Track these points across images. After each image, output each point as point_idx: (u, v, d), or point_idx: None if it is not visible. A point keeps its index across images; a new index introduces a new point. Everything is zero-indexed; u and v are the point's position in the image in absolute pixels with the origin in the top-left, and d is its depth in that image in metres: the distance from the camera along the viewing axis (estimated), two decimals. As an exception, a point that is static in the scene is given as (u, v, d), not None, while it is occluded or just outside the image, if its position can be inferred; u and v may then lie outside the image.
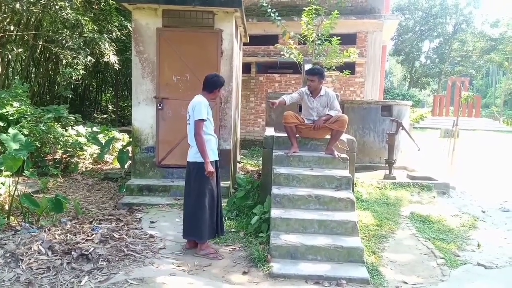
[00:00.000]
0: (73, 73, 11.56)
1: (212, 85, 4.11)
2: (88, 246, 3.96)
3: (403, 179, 7.61)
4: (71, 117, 9.61)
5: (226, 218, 5.18)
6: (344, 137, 5.33)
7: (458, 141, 9.15)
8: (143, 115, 6.33)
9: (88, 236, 4.26)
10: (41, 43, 10.98)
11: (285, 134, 5.31)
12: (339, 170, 4.84)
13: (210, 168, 3.93)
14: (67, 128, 9.46)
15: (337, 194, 4.44)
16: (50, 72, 14.58)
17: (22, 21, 10.83)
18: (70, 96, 14.35)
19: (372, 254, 4.25)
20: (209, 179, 4.01)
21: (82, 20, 8.29)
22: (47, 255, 3.86)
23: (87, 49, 10.16)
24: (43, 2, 7.86)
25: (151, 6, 6.03)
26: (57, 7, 7.93)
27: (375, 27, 12.12)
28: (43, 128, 7.60)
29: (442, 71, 38.98)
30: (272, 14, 8.29)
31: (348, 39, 11.38)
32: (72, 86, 16.99)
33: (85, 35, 8.65)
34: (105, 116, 19.73)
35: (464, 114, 26.60)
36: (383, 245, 4.60)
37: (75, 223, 4.83)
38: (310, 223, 4.11)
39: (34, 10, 8.02)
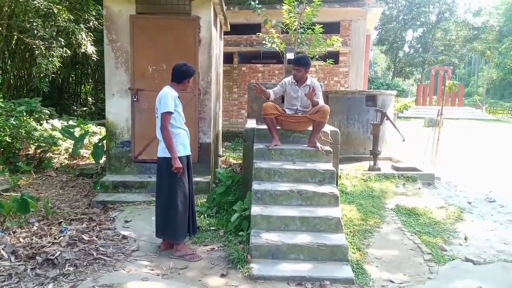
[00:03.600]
0: (49, 65, 11.11)
1: (181, 75, 3.87)
2: (54, 250, 3.69)
3: (388, 170, 7.47)
4: (45, 110, 9.20)
5: (206, 215, 4.96)
6: (328, 128, 5.13)
7: (442, 130, 9.05)
8: (118, 108, 6.02)
9: (55, 238, 3.98)
10: (14, 34, 10.49)
11: (266, 126, 5.08)
12: (323, 163, 4.64)
13: (178, 164, 3.71)
14: (41, 122, 9.06)
15: (320, 189, 4.23)
16: (27, 64, 14.02)
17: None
18: (47, 89, 13.84)
19: (357, 251, 4.07)
20: (180, 176, 3.78)
21: (54, 9, 7.84)
22: (10, 260, 3.58)
23: (61, 39, 9.73)
24: (10, -11, 7.39)
25: (124, -8, 5.69)
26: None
27: (358, 15, 11.92)
28: (14, 122, 7.20)
29: (426, 60, 39.20)
30: (252, 2, 7.99)
31: (332, 28, 11.16)
32: (50, 79, 16.43)
33: (58, 24, 8.20)
34: (84, 108, 19.17)
35: (447, 103, 26.79)
36: (368, 240, 4.43)
37: (43, 224, 4.54)
38: (292, 220, 3.90)
39: (1, -2, 7.55)
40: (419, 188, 6.61)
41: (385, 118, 7.64)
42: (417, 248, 4.27)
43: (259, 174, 4.44)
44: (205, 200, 5.42)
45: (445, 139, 9.34)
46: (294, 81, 5.15)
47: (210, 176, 6.16)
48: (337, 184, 4.93)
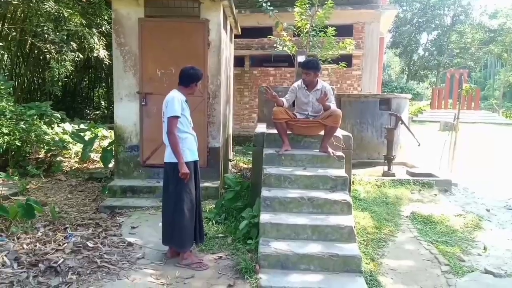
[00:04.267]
0: (61, 69, 11.15)
1: (189, 79, 3.77)
2: (57, 257, 3.60)
3: (403, 176, 7.27)
4: (56, 114, 9.21)
5: (214, 221, 4.83)
6: (340, 133, 4.96)
7: (459, 135, 8.79)
8: (126, 112, 5.95)
9: (59, 245, 3.90)
10: (27, 38, 10.56)
11: (277, 131, 4.95)
12: (335, 169, 4.47)
13: (185, 169, 3.59)
14: (52, 125, 9.06)
15: (332, 196, 4.07)
16: (40, 69, 14.16)
17: (8, 15, 10.39)
18: (60, 93, 13.94)
19: (371, 261, 3.89)
20: (187, 182, 3.66)
21: (65, 13, 7.83)
22: (12, 267, 3.50)
23: (73, 44, 9.75)
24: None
25: (132, -5, 5.62)
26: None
27: (372, 17, 11.70)
28: (24, 126, 7.19)
29: (441, 63, 38.58)
30: (264, 4, 7.86)
31: (345, 31, 10.97)
32: (63, 83, 16.56)
33: (69, 28, 8.20)
34: (97, 112, 19.29)
35: (463, 107, 26.26)
36: (383, 250, 4.25)
37: (49, 230, 4.46)
38: (303, 228, 3.75)
39: (13, 2, 7.57)
40: (436, 195, 6.39)
41: (400, 122, 7.43)
42: (434, 258, 4.07)
43: (268, 180, 4.30)
44: (214, 206, 5.30)
45: (462, 144, 9.08)
46: (304, 85, 4.97)
47: (219, 181, 6.04)
48: (349, 191, 4.76)
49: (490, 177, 8.14)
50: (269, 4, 8.12)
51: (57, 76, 11.48)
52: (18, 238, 4.05)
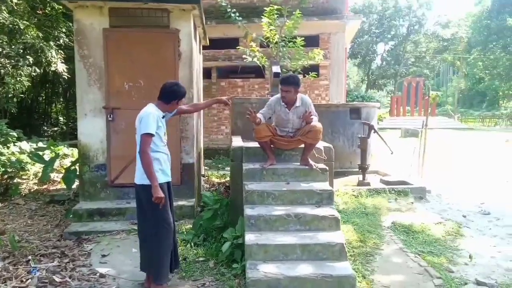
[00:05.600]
0: (16, 85, 10.47)
1: (171, 95, 3.50)
2: (20, 296, 3.18)
3: (378, 184, 7.25)
4: (12, 133, 8.57)
5: (192, 243, 4.51)
6: (321, 144, 4.81)
7: (427, 141, 8.93)
8: (91, 129, 5.54)
9: (22, 281, 3.47)
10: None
11: (255, 144, 4.73)
12: (319, 182, 4.30)
13: (159, 193, 3.27)
14: (8, 145, 8.41)
15: (319, 211, 3.89)
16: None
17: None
18: (16, 110, 13.07)
19: (363, 279, 3.73)
20: (163, 206, 3.36)
21: (20, 25, 7.32)
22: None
23: (29, 57, 9.17)
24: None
25: (95, 4, 5.26)
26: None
27: (337, 28, 11.83)
28: (-25, 147, 6.59)
29: (398, 72, 40.03)
30: (232, 15, 7.73)
31: (311, 41, 10.98)
32: (17, 99, 15.62)
33: (25, 41, 7.67)
34: (56, 129, 18.36)
35: (421, 113, 27.21)
36: (371, 265, 4.10)
37: (8, 263, 3.99)
38: (292, 248, 3.53)
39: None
40: (412, 203, 6.39)
41: (372, 131, 7.43)
42: (424, 271, 3.95)
43: (251, 198, 4.06)
44: (191, 226, 4.98)
45: (428, 149, 9.24)
46: (283, 103, 4.60)
47: (195, 199, 5.73)
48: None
49: (458, 182, 8.30)
50: (237, 14, 7.99)
51: (12, 92, 10.79)
52: (-28, 277, 3.58)
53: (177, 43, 5.47)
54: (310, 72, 8.64)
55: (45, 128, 17.66)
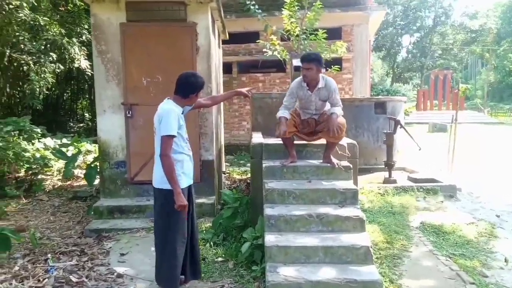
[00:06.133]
0: (41, 82, 10.61)
1: (189, 88, 3.17)
2: (36, 297, 3.13)
3: (405, 182, 6.95)
4: (36, 129, 8.67)
5: (211, 243, 4.39)
6: (345, 140, 4.60)
7: (456, 136, 8.54)
8: (110, 125, 5.49)
9: (39, 281, 3.42)
10: (3, 49, 10.01)
11: (276, 141, 4.56)
12: (342, 181, 4.10)
13: (182, 201, 3.02)
14: (33, 141, 8.52)
15: (343, 211, 3.70)
16: (19, 82, 13.52)
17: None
18: (41, 106, 13.30)
19: (390, 284, 3.52)
20: (180, 212, 3.11)
21: (41, 21, 7.36)
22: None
23: (52, 54, 9.24)
24: (-6, 2, 6.93)
25: (112, -2, 5.20)
26: (11, 6, 6.97)
27: (361, 19, 11.47)
28: (0, 144, 6.67)
29: (424, 65, 38.91)
30: (252, 7, 7.52)
31: (333, 33, 10.69)
32: (43, 95, 15.90)
33: (46, 37, 7.71)
34: (81, 125, 18.65)
35: (449, 107, 26.34)
36: (399, 268, 3.88)
37: (28, 261, 3.98)
38: (314, 250, 3.36)
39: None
40: (442, 202, 6.08)
41: (399, 126, 7.13)
42: (456, 276, 3.71)
43: (271, 196, 3.91)
44: (210, 224, 4.87)
45: (458, 145, 8.85)
46: (304, 84, 4.34)
47: (215, 197, 5.62)
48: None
49: (491, 179, 7.89)
50: (257, 7, 7.79)
51: (37, 89, 10.94)
52: (-10, 275, 3.57)
53: (194, 37, 5.35)
54: (332, 66, 8.35)
55: (71, 124, 17.96)
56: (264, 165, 4.28)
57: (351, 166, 4.24)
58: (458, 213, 5.66)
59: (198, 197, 5.46)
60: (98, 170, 5.92)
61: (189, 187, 3.33)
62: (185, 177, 3.23)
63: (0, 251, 3.97)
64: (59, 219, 5.83)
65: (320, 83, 4.28)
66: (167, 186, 3.05)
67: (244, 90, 3.95)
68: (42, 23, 7.45)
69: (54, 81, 13.32)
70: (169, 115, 3.04)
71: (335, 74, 10.86)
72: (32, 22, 7.40)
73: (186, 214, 3.17)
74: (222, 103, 8.34)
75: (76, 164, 7.39)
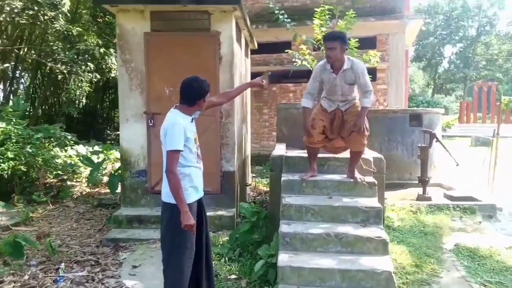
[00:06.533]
0: (77, 90, 10.96)
1: (194, 95, 2.99)
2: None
3: (440, 199, 6.51)
4: (69, 136, 8.87)
5: (226, 258, 4.22)
6: (370, 154, 4.32)
7: (499, 152, 7.96)
8: (132, 134, 5.47)
9: (46, 291, 3.36)
10: (41, 59, 10.43)
11: (298, 153, 4.36)
12: (365, 198, 3.83)
13: (189, 220, 2.83)
14: (66, 148, 8.73)
15: (364, 231, 3.42)
16: (59, 90, 14.07)
17: (25, 37, 10.27)
18: (77, 114, 13.73)
19: (414, 314, 3.20)
20: (189, 231, 2.92)
21: (73, 31, 7.57)
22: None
23: (89, 64, 9.50)
24: (31, 13, 7.17)
25: (137, 7, 5.20)
26: (46, 17, 7.20)
27: (397, 28, 11.06)
28: (30, 150, 6.83)
29: (467, 76, 37.32)
30: (281, 16, 7.37)
31: (368, 43, 10.36)
32: (83, 104, 16.46)
33: (79, 47, 7.94)
34: (117, 132, 19.12)
35: (493, 120, 25.03)
36: (427, 296, 3.54)
37: (40, 270, 3.96)
38: (330, 273, 3.10)
39: (21, 21, 7.35)
40: (480, 222, 5.62)
41: (434, 139, 6.71)
42: (492, 308, 3.33)
43: (288, 212, 3.69)
44: (228, 238, 4.70)
45: (501, 161, 8.25)
46: (328, 67, 4.03)
47: (235, 209, 5.45)
48: (383, 222, 4.10)
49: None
50: (285, 16, 7.65)
51: (74, 97, 11.30)
52: (1, 283, 3.54)
53: (217, 46, 5.25)
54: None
55: (108, 132, 18.44)
56: (283, 178, 4.08)
57: (376, 182, 3.95)
58: (497, 235, 5.19)
59: (217, 209, 5.38)
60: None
61: (200, 200, 3.17)
62: (194, 191, 3.06)
63: (14, 258, 3.96)
64: (81, 227, 5.85)
65: (345, 64, 3.98)
66: (174, 200, 2.90)
67: (257, 79, 3.67)
68: (75, 33, 7.64)
69: (90, 90, 13.76)
70: (174, 128, 2.87)
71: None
72: (66, 33, 7.60)
73: (194, 231, 2.97)
74: (249, 113, 8.22)
75: (102, 171, 7.47)
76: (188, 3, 5.07)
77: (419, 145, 6.82)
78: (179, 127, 2.87)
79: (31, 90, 13.13)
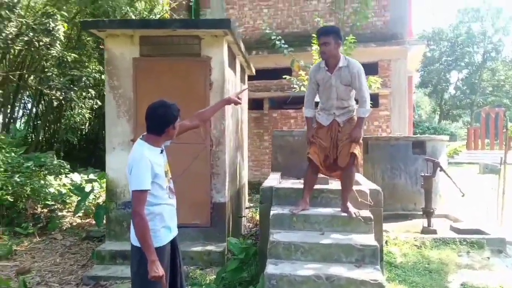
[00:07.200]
0: (77, 117, 10.83)
1: (160, 123, 2.68)
2: None
3: (446, 232, 6.11)
4: (63, 164, 8.65)
5: (211, 300, 3.88)
6: (367, 186, 4.02)
7: (507, 180, 7.59)
8: (119, 163, 5.21)
9: None
10: (43, 86, 10.37)
11: (292, 183, 4.07)
12: (360, 234, 3.50)
13: (157, 271, 2.49)
14: (60, 176, 8.50)
15: (358, 273, 3.08)
16: (59, 117, 13.99)
17: (26, 63, 10.24)
18: (78, 142, 13.57)
19: None
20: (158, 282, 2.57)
21: (68, 57, 7.48)
22: None
23: (88, 90, 9.40)
24: (26, 39, 7.11)
25: (126, 32, 5.06)
26: (41, 43, 7.13)
27: (398, 54, 10.90)
28: (18, 179, 6.60)
29: (474, 102, 37.05)
30: (277, 42, 7.25)
31: (369, 69, 10.17)
32: (85, 130, 16.36)
33: (73, 73, 7.84)
34: (120, 159, 18.96)
35: (501, 146, 24.58)
36: None
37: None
38: (319, 323, 2.76)
39: (15, 47, 7.29)
40: (488, 258, 5.22)
41: (438, 168, 6.38)
42: None
43: (275, 251, 3.37)
44: (215, 277, 4.36)
45: (510, 189, 7.87)
46: (323, 65, 3.83)
47: (225, 244, 5.11)
48: (382, 260, 3.76)
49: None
50: (283, 42, 7.52)
51: (74, 123, 11.16)
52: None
53: (208, 71, 5.07)
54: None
55: (111, 158, 18.25)
56: (272, 212, 3.78)
57: (372, 217, 3.63)
58: (507, 272, 4.79)
59: (206, 243, 5.07)
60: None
61: (174, 239, 2.86)
62: (167, 231, 2.75)
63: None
64: (65, 262, 5.55)
65: (341, 61, 3.77)
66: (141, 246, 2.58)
67: (233, 96, 3.42)
68: (69, 60, 7.55)
69: (91, 116, 13.66)
70: (139, 165, 2.55)
71: (371, 111, 10.32)
72: (61, 59, 7.52)
73: (164, 283, 2.61)
74: (246, 140, 7.97)
75: (93, 201, 7.22)
76: (178, 27, 4.93)
77: (422, 174, 6.49)
78: (145, 163, 2.56)
79: (33, 116, 13.07)
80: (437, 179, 7.02)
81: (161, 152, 2.77)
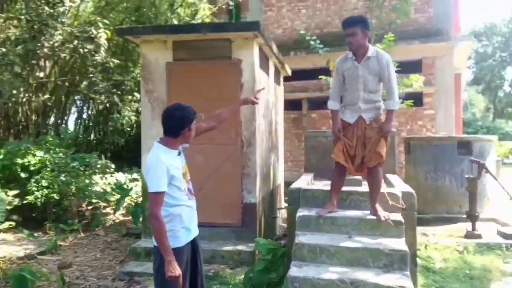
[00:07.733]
0: (123, 120, 11.28)
1: (176, 125, 2.72)
2: None
3: (492, 237, 5.78)
4: (108, 164, 9.04)
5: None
6: (399, 188, 3.87)
7: None
8: (154, 164, 5.36)
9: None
10: (89, 91, 10.88)
11: (323, 185, 4.01)
12: (390, 239, 3.37)
13: (173, 271, 2.53)
14: (106, 176, 8.90)
15: (386, 279, 2.97)
16: (106, 119, 14.65)
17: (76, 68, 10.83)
18: (125, 143, 14.15)
19: None
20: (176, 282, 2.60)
21: (111, 63, 7.82)
22: None
23: (134, 94, 9.76)
24: (71, 46, 7.51)
25: (159, 38, 5.20)
26: (85, 50, 7.51)
27: (443, 51, 10.40)
28: (64, 179, 6.97)
29: (531, 99, 34.66)
30: (312, 42, 7.17)
31: (413, 67, 9.80)
32: (134, 131, 17.03)
33: (116, 78, 8.19)
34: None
35: None
36: None
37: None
38: (341, 329, 2.69)
39: (62, 54, 7.72)
40: (538, 266, 4.87)
41: (484, 170, 6.02)
42: None
43: (300, 253, 3.33)
44: (243, 277, 4.37)
45: None
46: (350, 55, 3.68)
47: (256, 244, 5.11)
48: (415, 265, 3.61)
49: None
50: (318, 42, 7.42)
51: (121, 126, 11.65)
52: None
53: (239, 74, 5.10)
54: (404, 101, 7.49)
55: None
56: (298, 214, 3.73)
57: (403, 221, 3.48)
58: (560, 283, 4.43)
59: (237, 243, 5.10)
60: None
61: (194, 241, 2.88)
62: (186, 232, 2.77)
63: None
64: (105, 257, 5.78)
65: (369, 51, 3.60)
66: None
67: (250, 97, 3.46)
68: (112, 65, 7.90)
69: (136, 119, 14.19)
70: (155, 168, 2.60)
71: (414, 110, 9.93)
72: (104, 65, 7.88)
73: (180, 282, 2.63)
74: (282, 141, 7.93)
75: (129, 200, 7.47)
76: (208, 31, 5.00)
77: (467, 176, 6.16)
78: (161, 166, 2.60)
79: (84, 119, 13.80)
80: (484, 181, 6.65)
81: (179, 154, 2.80)
